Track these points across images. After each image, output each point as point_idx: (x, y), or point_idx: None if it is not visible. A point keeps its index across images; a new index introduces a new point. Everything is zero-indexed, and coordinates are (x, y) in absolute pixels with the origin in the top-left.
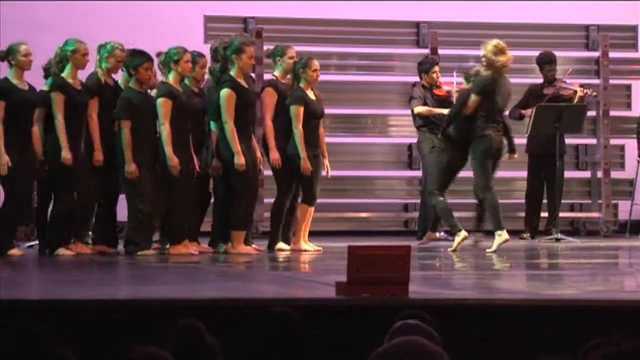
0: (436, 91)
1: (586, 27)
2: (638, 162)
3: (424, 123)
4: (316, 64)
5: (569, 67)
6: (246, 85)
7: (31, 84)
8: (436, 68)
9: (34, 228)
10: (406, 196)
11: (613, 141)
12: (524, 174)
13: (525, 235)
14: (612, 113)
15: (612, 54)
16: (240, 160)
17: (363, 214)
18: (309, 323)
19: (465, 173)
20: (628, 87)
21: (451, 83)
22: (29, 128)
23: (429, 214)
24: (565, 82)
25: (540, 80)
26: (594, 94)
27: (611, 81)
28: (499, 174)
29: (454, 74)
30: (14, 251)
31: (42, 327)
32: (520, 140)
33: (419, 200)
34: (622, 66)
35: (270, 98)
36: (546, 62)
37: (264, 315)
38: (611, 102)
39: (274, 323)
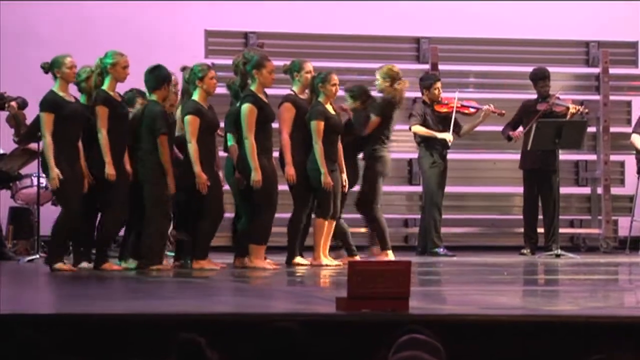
0: (437, 107)
1: (586, 44)
2: (638, 178)
3: (423, 139)
4: (335, 78)
5: (562, 84)
6: (266, 100)
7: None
8: (438, 84)
9: (35, 242)
10: (406, 211)
11: (613, 157)
12: (522, 189)
13: (525, 251)
14: (612, 129)
15: (613, 70)
16: (257, 176)
17: (363, 229)
18: (309, 338)
19: (462, 189)
20: (628, 104)
21: (452, 99)
22: (77, 141)
23: (429, 230)
24: (558, 98)
25: (536, 96)
26: (586, 110)
27: (611, 97)
28: (498, 189)
29: (456, 95)
30: (61, 265)
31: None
32: (515, 156)
33: (419, 216)
34: (623, 82)
35: (288, 113)
36: (540, 78)
37: (265, 330)
38: (611, 119)
39: (275, 338)
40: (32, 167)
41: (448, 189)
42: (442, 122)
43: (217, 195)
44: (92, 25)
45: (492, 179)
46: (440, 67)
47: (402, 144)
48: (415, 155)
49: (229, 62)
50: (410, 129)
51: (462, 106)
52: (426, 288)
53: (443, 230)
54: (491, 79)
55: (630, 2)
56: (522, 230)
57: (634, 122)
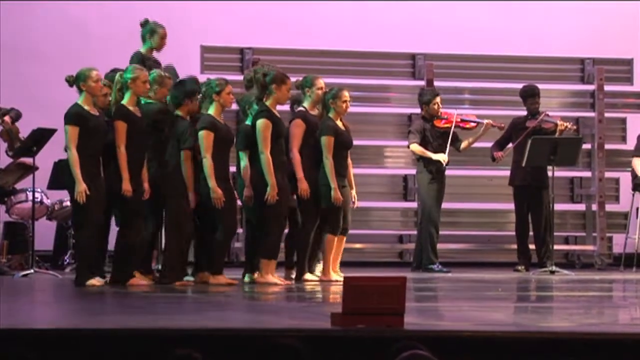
0: (437, 123)
1: (582, 61)
2: (633, 195)
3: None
4: (346, 94)
5: (558, 101)
6: (279, 116)
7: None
8: (437, 99)
9: (29, 257)
10: (401, 227)
11: (608, 174)
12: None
13: (519, 268)
14: (607, 146)
15: (608, 87)
16: (274, 191)
17: (357, 245)
18: (303, 354)
19: (457, 205)
20: (623, 121)
21: (452, 114)
22: (99, 156)
23: (425, 246)
24: (547, 115)
25: (526, 113)
26: (574, 127)
27: (606, 114)
28: (493, 205)
29: (455, 112)
30: (93, 281)
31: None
32: (505, 172)
33: (414, 232)
34: (618, 99)
35: (298, 129)
36: (529, 96)
37: (261, 346)
38: (606, 136)
39: (271, 354)
40: (27, 181)
41: (443, 205)
42: (442, 137)
43: (231, 210)
44: (87, 39)
45: (487, 195)
46: (436, 83)
47: (397, 160)
48: (410, 172)
49: (226, 77)
50: (409, 146)
51: (462, 121)
52: (421, 304)
53: (438, 246)
54: (487, 95)
55: (626, 19)
56: (515, 246)
57: (629, 141)
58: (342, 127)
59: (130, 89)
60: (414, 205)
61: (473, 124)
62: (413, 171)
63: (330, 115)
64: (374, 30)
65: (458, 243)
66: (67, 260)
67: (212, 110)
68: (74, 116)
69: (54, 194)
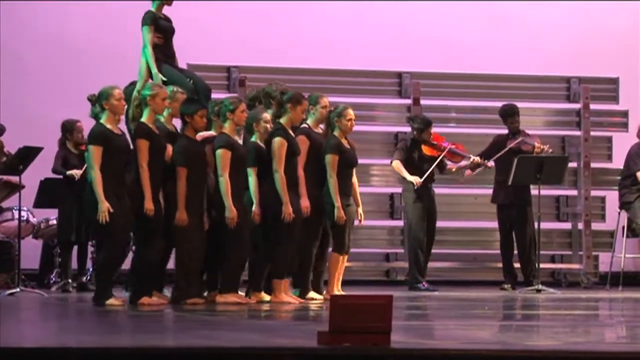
0: (425, 150)
1: (567, 79)
2: (619, 213)
3: (410, 173)
4: (351, 113)
5: (554, 120)
6: (293, 134)
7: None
8: (429, 129)
9: (15, 275)
10: (387, 246)
11: (594, 193)
12: None
13: (505, 286)
14: (593, 165)
15: (593, 106)
16: (288, 209)
17: (345, 263)
18: None
19: (444, 224)
20: (609, 139)
21: (442, 144)
22: (122, 174)
23: (410, 264)
24: (528, 135)
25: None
26: (550, 150)
27: (592, 133)
28: (479, 224)
29: (449, 147)
30: (113, 301)
31: None
32: (490, 191)
33: (400, 250)
34: (603, 118)
35: (302, 146)
36: (508, 115)
37: None
38: (592, 154)
39: None
40: (13, 200)
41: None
42: (427, 161)
43: (246, 229)
44: (77, 55)
45: (473, 213)
46: (422, 101)
47: (383, 178)
48: (396, 190)
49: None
50: (391, 162)
51: (451, 153)
52: (408, 322)
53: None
54: (473, 114)
55: (611, 38)
56: (502, 265)
57: (615, 159)
58: (347, 146)
59: (149, 105)
60: (400, 223)
61: (460, 158)
62: (399, 189)
63: (335, 133)
64: (361, 48)
65: (445, 261)
66: (53, 279)
67: (226, 129)
68: (98, 136)
69: (40, 212)
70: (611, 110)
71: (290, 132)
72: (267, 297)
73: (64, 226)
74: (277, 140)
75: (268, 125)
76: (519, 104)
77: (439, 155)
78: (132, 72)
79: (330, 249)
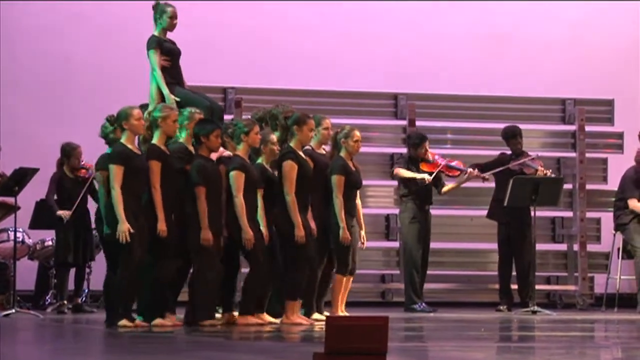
0: (423, 166)
1: (563, 101)
2: (614, 235)
3: (407, 192)
4: (358, 134)
5: (548, 141)
6: (304, 157)
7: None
8: (426, 144)
9: (11, 296)
10: (383, 267)
11: (589, 214)
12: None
13: (501, 307)
14: (589, 186)
15: (589, 128)
16: (300, 232)
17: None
18: None
19: (440, 245)
20: (604, 161)
21: (438, 159)
22: (141, 195)
23: (406, 286)
24: (532, 159)
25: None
26: (552, 175)
27: (587, 154)
28: (474, 245)
29: (444, 162)
30: (125, 322)
31: None
32: (483, 212)
33: (396, 271)
34: (599, 140)
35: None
36: (510, 137)
37: None
38: (587, 176)
39: None
40: (9, 221)
41: None
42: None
43: (261, 250)
44: (73, 77)
45: (469, 235)
46: (418, 123)
47: (379, 199)
48: (392, 211)
49: None
50: (392, 172)
51: (447, 167)
52: (404, 344)
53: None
54: (468, 135)
55: (606, 61)
56: (497, 286)
57: (610, 181)
58: (353, 167)
59: (160, 127)
60: (396, 244)
61: (457, 172)
62: (395, 210)
63: (342, 154)
64: (357, 70)
65: (441, 282)
66: (49, 300)
67: (240, 151)
68: (119, 155)
69: (35, 233)
70: (606, 132)
71: (301, 154)
72: (270, 319)
73: (60, 248)
74: (288, 164)
75: (275, 147)
76: (515, 125)
77: (435, 170)
78: (127, 94)
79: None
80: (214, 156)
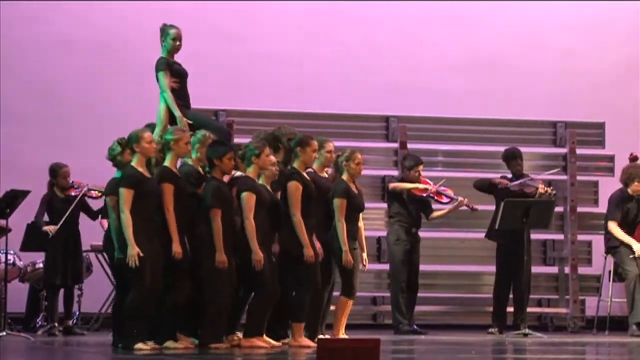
0: (414, 189)
1: (554, 124)
2: (605, 258)
3: (394, 213)
4: (359, 157)
5: (543, 164)
6: (308, 178)
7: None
8: (420, 167)
9: (2, 319)
10: (374, 289)
11: (580, 237)
12: (491, 268)
13: (492, 330)
14: (580, 209)
15: (580, 151)
16: (310, 251)
17: (331, 307)
18: None
19: (431, 267)
20: (595, 184)
21: (430, 183)
22: (153, 218)
23: (392, 307)
24: (532, 179)
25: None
26: (554, 192)
27: (578, 177)
28: (466, 268)
29: (437, 188)
30: (141, 345)
31: None
32: (482, 235)
33: (387, 294)
34: (590, 162)
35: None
36: (511, 158)
37: None
38: (578, 198)
39: None
40: (0, 243)
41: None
42: (416, 202)
43: (271, 272)
44: (64, 101)
45: (460, 257)
46: (409, 145)
47: (371, 221)
48: (383, 233)
49: None
50: (388, 187)
51: (438, 193)
52: None
53: (414, 308)
54: (459, 157)
55: (597, 84)
56: (490, 308)
57: (601, 204)
58: (355, 190)
59: (172, 150)
60: (387, 267)
61: (447, 199)
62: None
63: (344, 177)
64: (348, 92)
65: (432, 305)
66: (40, 323)
67: (250, 173)
68: (129, 179)
69: (26, 255)
70: (597, 154)
71: (305, 175)
72: (272, 341)
73: (49, 270)
74: (293, 184)
75: (274, 169)
76: (506, 148)
77: (427, 195)
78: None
79: (336, 293)
80: (225, 178)
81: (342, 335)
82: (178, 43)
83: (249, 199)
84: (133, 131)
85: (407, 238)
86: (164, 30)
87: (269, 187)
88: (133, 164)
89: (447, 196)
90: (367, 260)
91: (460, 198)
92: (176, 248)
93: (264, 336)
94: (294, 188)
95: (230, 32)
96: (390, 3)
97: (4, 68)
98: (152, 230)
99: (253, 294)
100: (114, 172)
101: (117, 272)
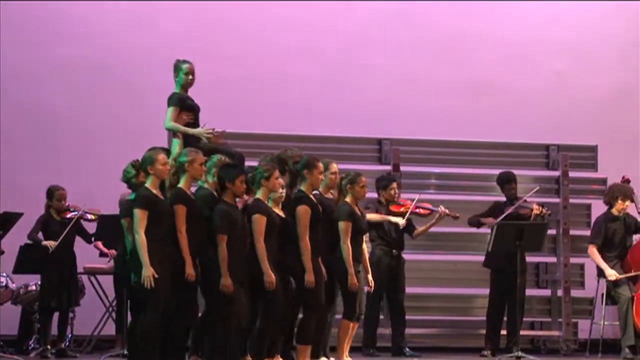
0: (393, 207)
1: (546, 147)
2: (598, 281)
3: (374, 237)
4: (364, 180)
5: (534, 187)
6: (315, 200)
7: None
8: (394, 185)
9: None
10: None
11: (573, 260)
12: (484, 291)
13: (485, 353)
14: (572, 232)
15: (572, 174)
16: (310, 277)
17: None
18: None
19: (423, 289)
20: (588, 207)
21: (407, 200)
22: (166, 240)
23: (365, 327)
24: (526, 201)
25: (504, 198)
26: (549, 212)
27: (571, 200)
28: (459, 290)
29: (416, 198)
30: None
31: None
32: (475, 257)
33: (381, 317)
34: (582, 186)
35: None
36: (505, 182)
37: None
38: (571, 221)
39: None
40: None
41: (409, 290)
42: (397, 224)
43: (282, 294)
44: (59, 124)
45: (453, 280)
46: (402, 168)
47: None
48: None
49: None
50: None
51: (417, 207)
52: None
53: (406, 331)
54: (452, 180)
55: (590, 107)
56: (483, 331)
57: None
58: (359, 213)
59: (186, 172)
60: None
61: (427, 211)
62: None
63: (347, 199)
64: (341, 115)
65: (425, 328)
66: (32, 345)
67: (260, 195)
68: (143, 200)
69: (19, 278)
70: (590, 177)
71: (312, 197)
72: None
73: (45, 292)
74: (301, 208)
75: (282, 191)
76: (498, 171)
77: (407, 211)
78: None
79: (338, 316)
80: (239, 203)
81: (347, 358)
82: (191, 77)
83: (259, 222)
84: (147, 153)
85: (388, 260)
86: (177, 66)
87: (279, 211)
88: (147, 185)
89: (426, 208)
90: (372, 281)
91: (440, 208)
92: (189, 270)
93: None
94: (303, 212)
95: (226, 55)
96: (383, 26)
97: (1, 91)
98: (164, 253)
99: (262, 315)
100: (111, 195)
101: (132, 294)
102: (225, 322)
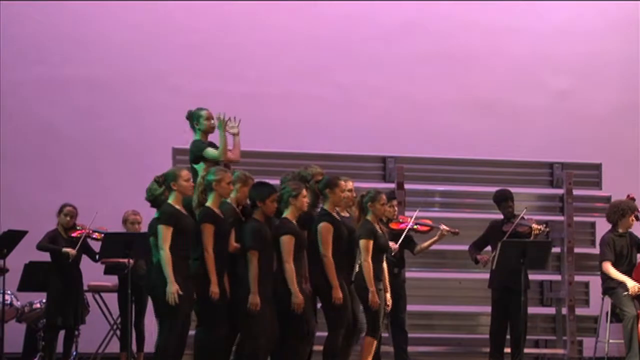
0: (393, 225)
1: (550, 165)
2: (602, 299)
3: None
4: (384, 198)
5: (525, 206)
6: (338, 218)
7: None
8: (394, 202)
9: None
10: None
11: (577, 278)
12: (489, 309)
13: None
14: (577, 250)
15: (576, 192)
16: (338, 294)
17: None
18: None
19: (429, 307)
20: (592, 225)
21: (407, 217)
22: (188, 256)
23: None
24: (523, 218)
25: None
26: (547, 229)
27: (575, 218)
28: (464, 308)
29: (415, 214)
30: None
31: None
32: (480, 275)
33: (385, 334)
34: (586, 204)
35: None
36: (502, 200)
37: None
38: (575, 239)
39: None
40: None
41: (414, 308)
42: (395, 239)
43: (311, 314)
44: (65, 142)
45: (458, 298)
46: (406, 186)
47: None
48: None
49: None
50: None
51: (417, 224)
52: None
53: (410, 349)
54: (456, 198)
55: (594, 125)
56: (487, 349)
57: (598, 245)
58: (380, 231)
59: (214, 190)
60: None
61: (427, 228)
62: None
63: (368, 217)
64: (345, 133)
65: (430, 346)
66: None
67: (288, 214)
68: (168, 216)
69: (24, 296)
70: (594, 195)
71: (336, 215)
72: None
73: (51, 309)
74: (324, 225)
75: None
76: (503, 189)
77: (406, 228)
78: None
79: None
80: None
81: None
82: (213, 122)
83: (288, 242)
84: (170, 169)
85: (390, 279)
86: (194, 114)
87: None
88: (170, 201)
89: (426, 225)
90: (390, 300)
91: (442, 226)
92: (214, 288)
93: None
94: (326, 229)
95: (225, 73)
96: (386, 43)
97: (2, 109)
98: (186, 269)
99: (291, 335)
100: (111, 213)
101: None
102: (252, 343)
